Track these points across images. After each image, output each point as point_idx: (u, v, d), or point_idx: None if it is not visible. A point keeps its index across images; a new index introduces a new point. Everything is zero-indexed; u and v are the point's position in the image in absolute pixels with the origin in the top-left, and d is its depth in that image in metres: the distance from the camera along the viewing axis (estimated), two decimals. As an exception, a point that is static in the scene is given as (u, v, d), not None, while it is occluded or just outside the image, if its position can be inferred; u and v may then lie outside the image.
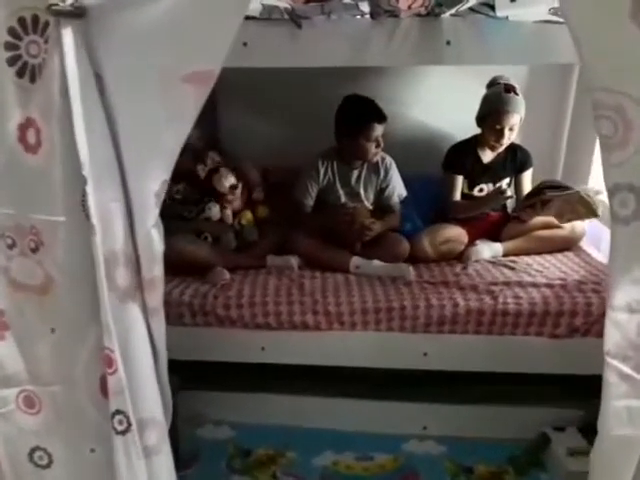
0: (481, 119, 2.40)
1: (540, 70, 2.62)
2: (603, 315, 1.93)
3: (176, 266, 2.13)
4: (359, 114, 2.27)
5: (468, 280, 2.13)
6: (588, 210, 2.14)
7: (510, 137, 2.37)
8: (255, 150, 2.72)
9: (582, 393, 2.01)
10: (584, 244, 2.48)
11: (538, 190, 2.25)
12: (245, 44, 1.69)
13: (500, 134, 2.35)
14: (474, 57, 1.66)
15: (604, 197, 2.44)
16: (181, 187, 2.35)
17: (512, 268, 2.25)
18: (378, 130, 2.27)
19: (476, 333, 1.97)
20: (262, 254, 2.30)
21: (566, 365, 1.98)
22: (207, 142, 2.55)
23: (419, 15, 1.62)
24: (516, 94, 2.33)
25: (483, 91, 2.43)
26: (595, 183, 2.59)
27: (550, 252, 2.41)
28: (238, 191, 2.36)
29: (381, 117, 2.26)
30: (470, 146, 2.48)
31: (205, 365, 2.04)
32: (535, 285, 2.07)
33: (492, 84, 2.41)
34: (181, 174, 2.29)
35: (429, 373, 2.02)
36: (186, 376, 1.85)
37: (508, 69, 2.41)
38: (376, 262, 2.22)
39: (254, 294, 2.03)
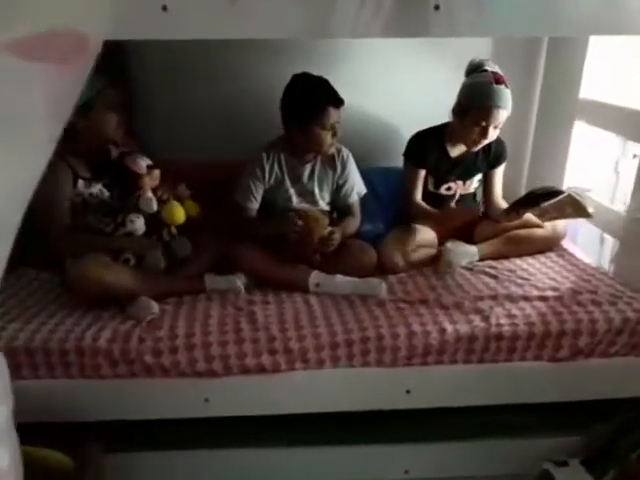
0: (461, 111, 2.04)
1: (505, 46, 2.30)
2: (608, 333, 1.74)
3: (88, 299, 1.66)
4: (311, 96, 1.85)
5: (449, 295, 1.80)
6: (578, 211, 1.86)
7: (493, 135, 2.04)
8: (182, 143, 2.25)
9: (581, 418, 1.77)
10: (564, 242, 2.22)
11: (528, 200, 1.94)
12: (165, 8, 1.20)
13: (484, 132, 2.00)
14: (469, 26, 1.28)
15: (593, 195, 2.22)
16: (97, 190, 1.84)
17: (494, 276, 1.94)
18: (334, 116, 1.87)
19: (466, 362, 1.65)
20: (199, 273, 1.85)
21: (568, 391, 1.71)
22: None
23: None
24: (506, 86, 1.99)
25: (453, 74, 2.08)
26: (572, 181, 2.36)
27: (530, 254, 2.13)
28: (157, 173, 1.88)
29: (337, 100, 1.86)
30: (436, 137, 2.14)
31: (135, 422, 1.59)
32: (527, 298, 1.77)
33: (475, 69, 2.04)
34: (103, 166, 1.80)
35: (410, 410, 1.68)
36: (113, 438, 1.54)
37: (466, 44, 2.04)
38: (339, 277, 1.84)
39: (192, 332, 1.58)
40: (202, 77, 2.26)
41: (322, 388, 1.62)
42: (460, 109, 2.04)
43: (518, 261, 2.08)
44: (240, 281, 1.82)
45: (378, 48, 2.24)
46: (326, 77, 1.90)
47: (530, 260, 2.08)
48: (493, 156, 2.17)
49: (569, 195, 1.83)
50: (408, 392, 1.63)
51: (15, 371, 1.52)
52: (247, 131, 2.21)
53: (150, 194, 1.84)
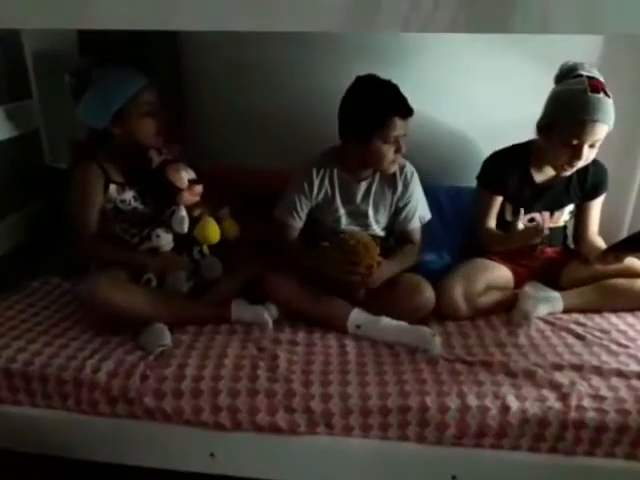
0: (548, 126, 1.66)
1: (613, 50, 1.86)
2: None
3: (98, 320, 1.49)
4: (375, 103, 1.56)
5: (520, 358, 1.45)
6: None
7: (589, 157, 1.65)
8: (234, 148, 2.05)
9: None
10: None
11: (633, 242, 1.53)
12: None
13: (576, 152, 1.62)
14: (567, 21, 0.93)
15: None
16: (129, 197, 1.67)
17: (581, 337, 1.56)
18: (400, 128, 1.57)
19: (532, 451, 1.30)
20: (226, 299, 1.62)
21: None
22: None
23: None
24: (606, 95, 1.59)
25: (543, 80, 1.70)
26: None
27: (631, 310, 1.70)
28: (199, 188, 1.67)
29: (406, 110, 1.56)
30: (519, 158, 1.77)
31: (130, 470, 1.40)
32: (622, 374, 1.38)
33: (566, 75, 1.66)
34: (136, 173, 1.63)
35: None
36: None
37: (562, 45, 1.66)
38: (386, 321, 1.55)
39: (201, 375, 1.36)
40: (259, 78, 2.03)
41: (347, 459, 1.34)
42: (547, 123, 1.66)
43: (614, 318, 1.66)
44: (269, 313, 1.57)
45: (453, 47, 1.89)
46: (394, 80, 1.60)
47: (630, 319, 1.66)
48: (590, 184, 1.77)
49: None
50: (454, 478, 1.32)
51: (11, 394, 1.40)
52: (304, 138, 1.96)
53: (184, 213, 1.63)
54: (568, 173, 1.70)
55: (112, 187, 1.66)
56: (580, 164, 1.65)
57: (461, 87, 1.98)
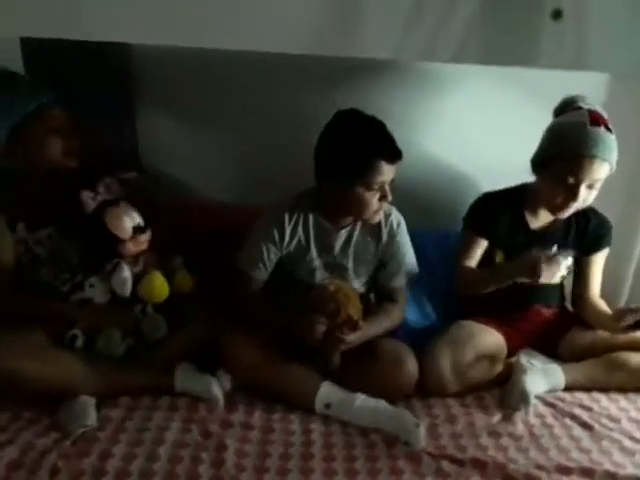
0: (543, 162, 1.48)
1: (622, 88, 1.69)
2: None
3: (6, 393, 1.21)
4: (358, 144, 1.32)
5: (519, 455, 1.21)
6: None
7: (587, 199, 1.46)
8: (192, 180, 1.80)
9: None
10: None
11: None
12: None
13: (573, 191, 1.43)
14: (592, 57, 0.72)
15: None
16: (45, 235, 1.37)
17: (589, 426, 1.32)
18: (386, 173, 1.33)
19: None
20: (169, 365, 1.35)
21: None
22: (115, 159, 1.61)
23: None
24: (608, 130, 1.41)
25: (546, 120, 1.51)
26: None
27: (641, 390, 1.49)
28: (145, 237, 1.41)
29: (393, 153, 1.33)
30: (512, 200, 1.58)
31: None
32: (641, 482, 1.15)
33: (566, 107, 1.49)
34: (52, 206, 1.35)
35: None
36: None
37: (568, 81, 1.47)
38: (361, 399, 1.30)
39: (128, 470, 1.08)
40: (222, 100, 1.79)
41: None
42: (542, 159, 1.48)
43: (623, 402, 1.44)
44: (220, 387, 1.31)
45: (444, 78, 1.70)
46: (378, 113, 1.37)
47: (643, 401, 1.44)
48: (591, 236, 1.59)
49: None
50: None
51: None
52: (276, 173, 1.73)
53: (127, 273, 1.36)
54: (564, 216, 1.52)
55: (20, 226, 1.35)
56: (576, 206, 1.46)
57: (456, 123, 1.80)
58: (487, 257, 1.60)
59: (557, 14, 0.72)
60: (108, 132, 1.65)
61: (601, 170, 1.41)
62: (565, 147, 1.42)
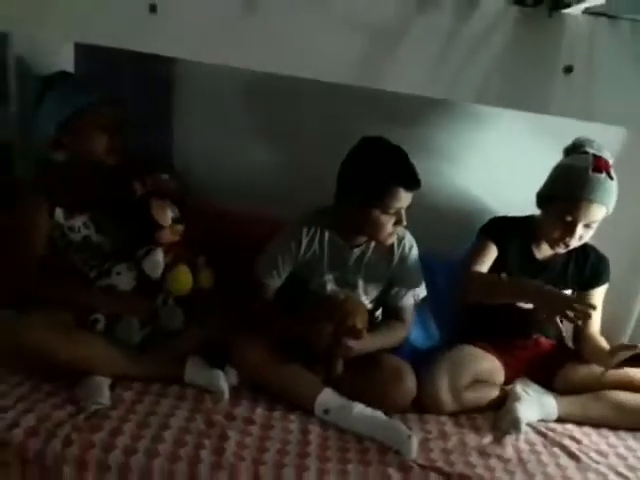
0: (547, 198, 1.57)
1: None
2: None
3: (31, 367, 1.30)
4: (378, 170, 1.41)
5: (505, 476, 1.25)
6: None
7: (583, 237, 1.54)
8: (218, 183, 1.89)
9: None
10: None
11: None
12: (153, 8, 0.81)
13: (570, 229, 1.50)
14: (609, 111, 0.80)
15: None
16: (79, 223, 1.47)
17: (576, 457, 1.37)
18: (404, 200, 1.41)
19: None
20: (181, 356, 1.43)
21: None
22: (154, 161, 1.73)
23: (518, 1, 0.78)
24: (609, 177, 1.49)
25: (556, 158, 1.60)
26: None
27: (633, 429, 1.52)
28: (181, 228, 1.51)
29: (411, 181, 1.41)
30: (521, 228, 1.65)
31: None
32: (622, 516, 1.19)
33: (573, 150, 1.57)
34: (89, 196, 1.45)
35: None
36: None
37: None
38: (358, 408, 1.36)
39: (135, 448, 1.16)
40: (259, 117, 1.91)
41: None
42: (546, 195, 1.58)
43: (613, 438, 1.48)
44: (226, 381, 1.38)
45: (479, 116, 1.80)
46: (398, 141, 1.46)
47: (631, 442, 1.47)
48: (589, 272, 1.65)
49: None
50: None
51: None
52: (301, 189, 1.82)
53: (160, 256, 1.46)
54: (561, 250, 1.58)
55: (58, 211, 1.45)
56: (573, 243, 1.54)
57: (475, 154, 1.90)
58: None
59: (568, 69, 0.80)
60: (146, 135, 1.77)
61: (598, 212, 1.49)
62: (567, 189, 1.51)
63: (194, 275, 1.53)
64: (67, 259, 1.47)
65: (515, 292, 1.52)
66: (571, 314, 1.34)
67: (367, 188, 1.40)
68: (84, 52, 1.77)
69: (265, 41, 0.79)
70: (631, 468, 1.36)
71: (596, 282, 1.67)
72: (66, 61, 1.76)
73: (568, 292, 1.66)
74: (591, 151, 1.52)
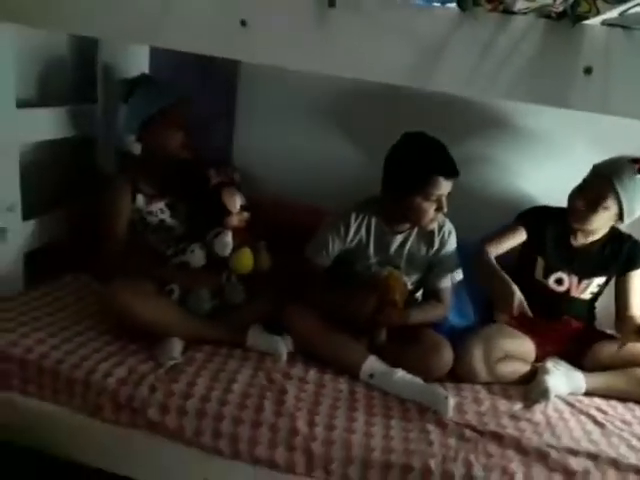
0: (580, 187, 1.72)
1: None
2: None
3: (119, 326, 1.51)
4: (419, 160, 1.57)
5: (534, 436, 1.39)
6: None
7: (594, 218, 1.66)
8: (274, 179, 2.08)
9: None
10: None
11: None
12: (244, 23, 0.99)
13: (580, 207, 1.67)
14: (630, 103, 0.94)
15: None
16: (157, 208, 1.69)
17: (601, 424, 1.49)
18: (444, 188, 1.57)
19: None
20: (244, 324, 1.63)
21: None
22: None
23: (545, 15, 0.92)
24: (638, 170, 1.60)
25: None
26: None
27: (656, 404, 1.64)
28: (246, 215, 1.73)
29: (451, 171, 1.56)
30: (561, 216, 1.77)
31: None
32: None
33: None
34: (166, 185, 1.67)
35: None
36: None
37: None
38: (400, 374, 1.52)
39: (208, 396, 1.35)
40: (314, 116, 2.09)
41: (341, 509, 1.30)
42: (581, 184, 1.71)
43: (638, 411, 1.60)
44: (284, 346, 1.57)
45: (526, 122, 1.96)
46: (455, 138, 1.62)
47: (655, 414, 1.59)
48: (624, 256, 1.76)
49: None
50: None
51: (22, 384, 1.42)
52: (350, 182, 1.99)
53: (229, 238, 1.67)
54: (578, 226, 1.72)
55: (139, 197, 1.68)
56: (585, 225, 1.69)
57: (524, 152, 2.02)
58: (528, 263, 1.79)
59: (588, 70, 0.94)
60: (210, 132, 1.98)
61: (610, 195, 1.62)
62: (598, 169, 1.67)
63: (255, 257, 1.72)
64: (145, 239, 1.69)
65: (493, 280, 1.63)
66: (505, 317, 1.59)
67: (410, 177, 1.56)
68: (157, 55, 1.98)
69: (334, 49, 0.96)
70: (654, 436, 1.48)
71: (632, 266, 1.76)
72: (142, 63, 1.98)
73: (601, 279, 1.77)
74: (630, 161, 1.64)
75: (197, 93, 1.92)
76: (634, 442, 1.43)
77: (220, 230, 1.66)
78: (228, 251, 1.65)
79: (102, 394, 1.36)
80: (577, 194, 1.69)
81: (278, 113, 2.07)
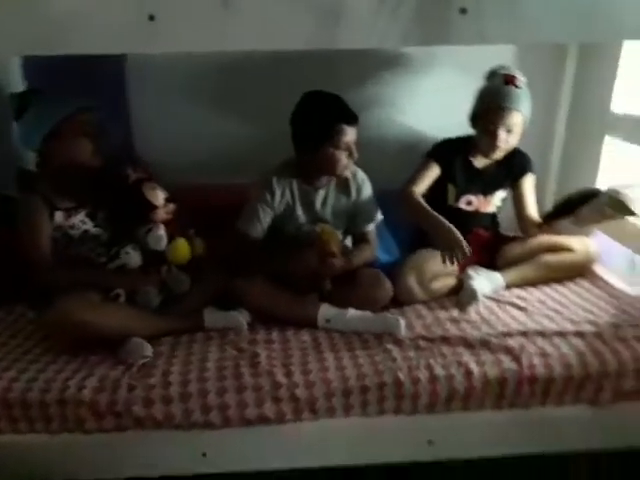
0: (473, 118, 1.93)
1: (531, 55, 2.14)
2: None
3: (73, 343, 1.51)
4: (323, 114, 1.70)
5: (474, 331, 1.62)
6: (620, 209, 1.67)
7: (508, 140, 1.89)
8: (179, 163, 2.10)
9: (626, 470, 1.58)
10: (597, 267, 2.03)
11: (564, 208, 1.78)
12: (152, 18, 1.04)
13: (493, 136, 1.86)
14: (501, 32, 1.11)
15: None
16: (78, 220, 1.67)
17: (523, 308, 1.76)
18: (349, 134, 1.71)
19: (495, 408, 1.47)
20: (197, 309, 1.69)
21: (609, 438, 1.51)
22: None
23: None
24: (516, 86, 1.85)
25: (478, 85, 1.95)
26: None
27: (561, 280, 1.94)
28: (172, 207, 1.75)
29: (351, 117, 1.71)
30: (463, 145, 1.99)
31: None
32: (562, 334, 1.58)
33: (491, 76, 1.94)
34: (83, 196, 1.66)
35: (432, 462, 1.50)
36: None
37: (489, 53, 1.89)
38: (352, 312, 1.67)
39: (187, 379, 1.42)
40: (202, 95, 2.13)
41: (333, 440, 1.44)
42: (473, 116, 1.93)
43: (548, 290, 1.89)
44: (243, 317, 1.65)
45: (398, 61, 2.11)
46: (340, 93, 1.75)
47: (561, 289, 1.89)
48: (516, 168, 2.02)
49: (607, 194, 1.65)
50: (430, 443, 1.45)
51: (-8, 423, 1.39)
52: (252, 153, 2.07)
53: (162, 231, 1.69)
54: (495, 156, 1.93)
55: (58, 214, 1.63)
56: (501, 146, 1.88)
57: (407, 97, 2.20)
58: (440, 191, 1.98)
59: (463, 11, 1.10)
60: (108, 133, 1.95)
61: (515, 118, 1.84)
62: (486, 102, 1.88)
63: (190, 245, 1.77)
64: (75, 252, 1.66)
65: (426, 224, 1.83)
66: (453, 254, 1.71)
67: (318, 130, 1.69)
68: (31, 66, 1.90)
69: (240, 26, 1.02)
70: (564, 305, 1.77)
71: (521, 173, 2.02)
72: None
73: (502, 193, 2.03)
74: (501, 72, 1.88)
75: (86, 95, 1.88)
76: (552, 314, 1.71)
77: (151, 226, 1.68)
78: (164, 244, 1.69)
79: (80, 407, 1.37)
80: (483, 128, 1.88)
81: (171, 102, 2.08)
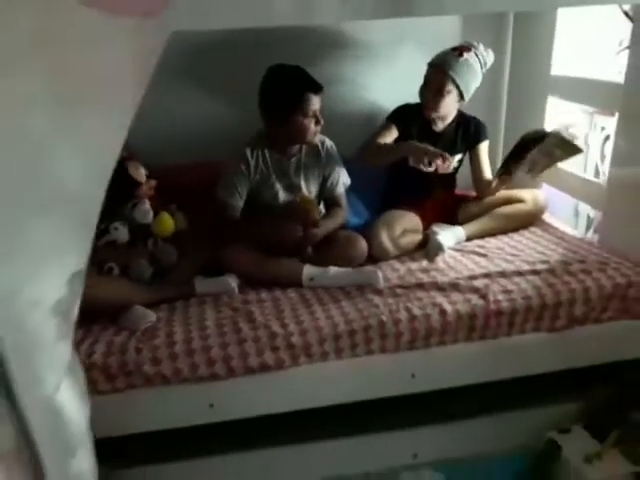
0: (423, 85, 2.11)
1: (473, 23, 2.32)
2: (601, 299, 1.77)
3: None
4: (289, 85, 1.83)
5: (444, 277, 1.80)
6: (568, 149, 1.88)
7: (442, 103, 2.06)
8: (159, 146, 2.16)
9: (582, 385, 1.82)
10: (546, 216, 2.26)
11: (517, 151, 1.99)
12: None
13: (428, 97, 2.07)
14: (456, 3, 1.26)
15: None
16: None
17: (484, 255, 1.96)
18: (315, 102, 1.84)
19: (468, 341, 1.66)
20: (186, 278, 1.79)
21: (567, 359, 1.73)
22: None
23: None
24: (460, 56, 2.02)
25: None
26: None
27: (515, 229, 2.16)
28: (153, 182, 1.85)
29: (316, 86, 1.84)
30: (420, 110, 2.15)
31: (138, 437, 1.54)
32: (520, 273, 1.79)
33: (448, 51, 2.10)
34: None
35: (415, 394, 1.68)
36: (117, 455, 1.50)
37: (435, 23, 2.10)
38: (333, 269, 1.82)
39: (190, 337, 1.54)
40: (181, 69, 2.18)
41: (328, 380, 1.60)
42: (424, 80, 2.10)
43: (505, 238, 2.10)
44: (233, 281, 1.77)
45: (361, 39, 2.26)
46: (305, 67, 1.87)
47: (516, 236, 2.11)
48: (472, 134, 2.20)
49: (555, 134, 1.86)
50: (413, 376, 1.63)
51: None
52: (225, 129, 2.17)
53: (148, 205, 1.79)
54: (434, 114, 2.10)
55: None
56: (430, 105, 2.07)
57: (369, 71, 2.32)
58: (403, 158, 2.12)
59: None
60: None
61: (445, 79, 2.01)
62: (428, 65, 2.06)
63: (173, 219, 1.87)
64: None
65: (395, 151, 2.05)
66: (428, 158, 1.97)
67: (285, 100, 1.81)
68: None
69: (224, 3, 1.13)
70: (520, 250, 1.98)
71: (479, 139, 2.21)
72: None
73: (459, 156, 2.21)
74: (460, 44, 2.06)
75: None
76: (510, 258, 1.91)
77: (136, 201, 1.77)
78: (150, 217, 1.78)
79: (91, 370, 1.45)
80: (424, 89, 2.07)
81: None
